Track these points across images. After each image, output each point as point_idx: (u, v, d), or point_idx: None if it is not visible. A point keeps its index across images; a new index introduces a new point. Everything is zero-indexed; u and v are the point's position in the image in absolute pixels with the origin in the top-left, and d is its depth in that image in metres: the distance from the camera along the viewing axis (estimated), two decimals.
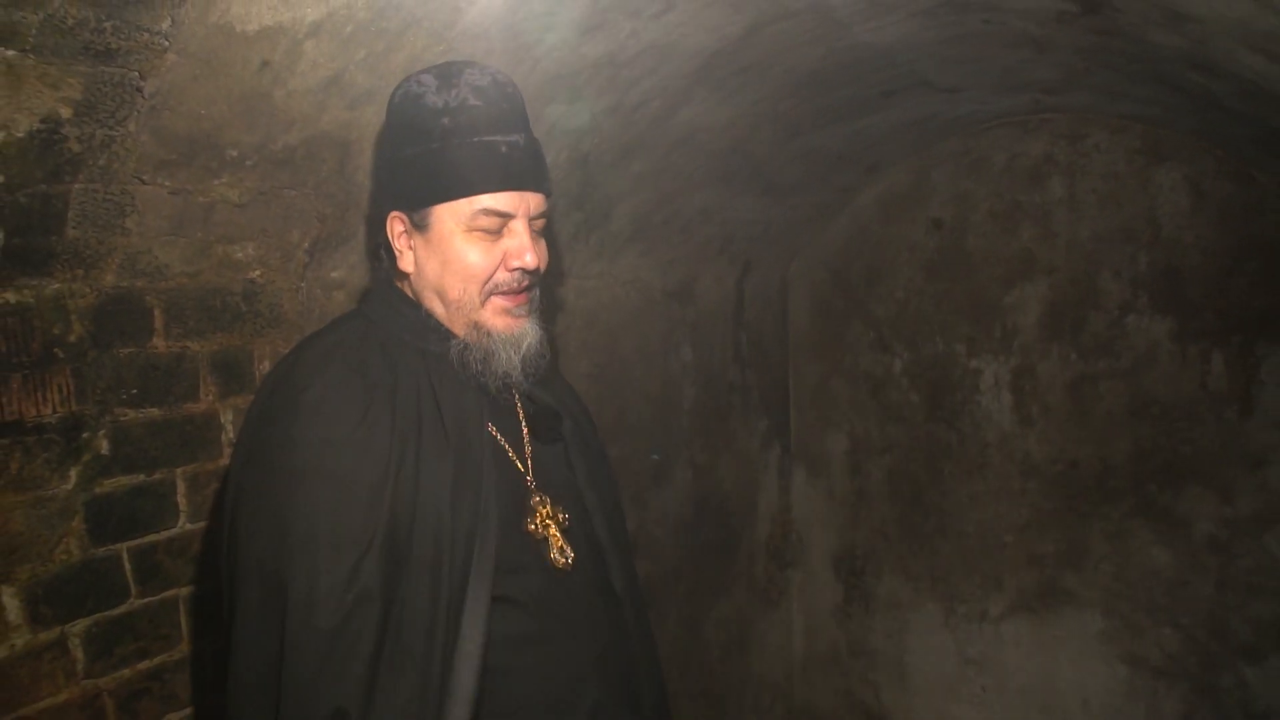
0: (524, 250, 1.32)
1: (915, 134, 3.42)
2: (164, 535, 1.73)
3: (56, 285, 1.53)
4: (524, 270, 1.33)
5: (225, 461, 1.82)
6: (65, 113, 1.36)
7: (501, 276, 1.33)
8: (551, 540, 1.36)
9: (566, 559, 1.36)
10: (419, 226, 1.33)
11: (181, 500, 1.76)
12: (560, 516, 1.39)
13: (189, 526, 1.77)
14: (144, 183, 1.54)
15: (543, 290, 1.44)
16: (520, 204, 1.32)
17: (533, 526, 1.36)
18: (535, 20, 1.77)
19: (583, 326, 2.84)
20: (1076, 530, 3.51)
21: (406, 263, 1.37)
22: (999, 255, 3.56)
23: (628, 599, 1.50)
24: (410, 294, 1.40)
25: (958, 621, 3.79)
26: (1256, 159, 2.91)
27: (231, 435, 1.83)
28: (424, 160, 1.30)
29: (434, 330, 1.36)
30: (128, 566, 1.67)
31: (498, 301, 1.34)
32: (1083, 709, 3.55)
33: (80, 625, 1.60)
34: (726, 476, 3.64)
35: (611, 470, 1.65)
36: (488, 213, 1.30)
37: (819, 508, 4.07)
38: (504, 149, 1.30)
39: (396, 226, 1.36)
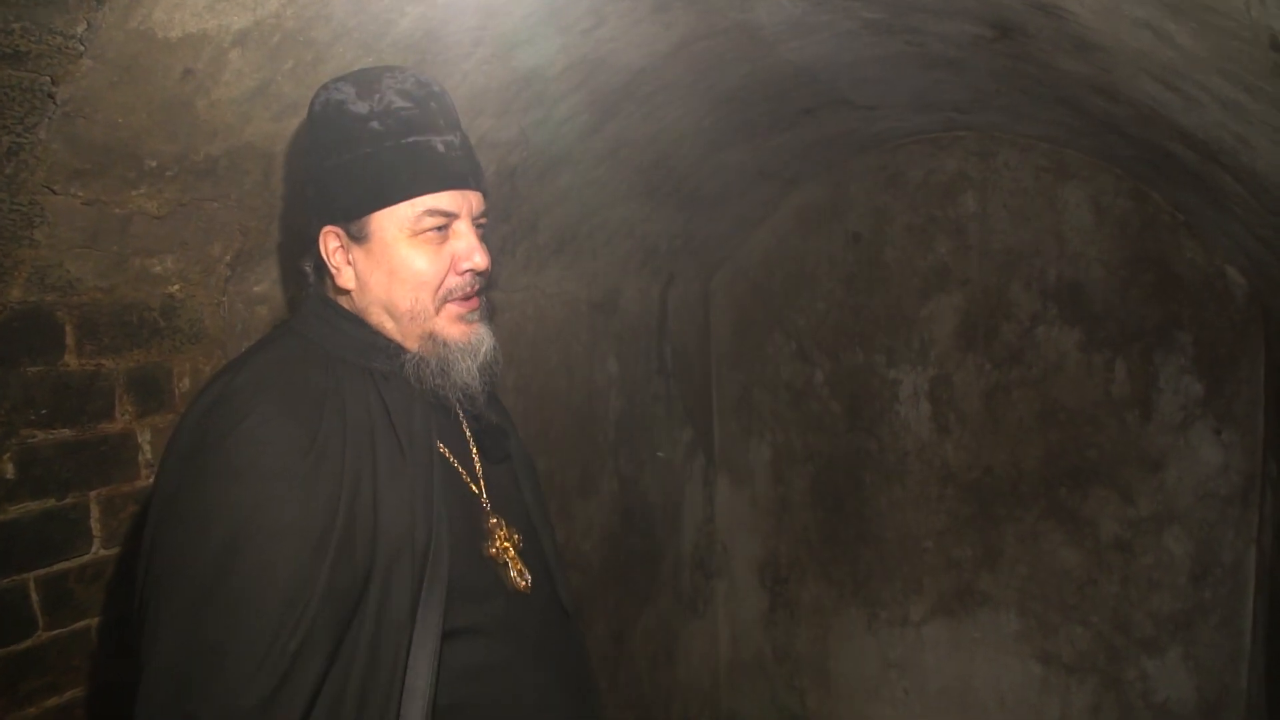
0: (473, 250, 1.27)
1: (834, 149, 3.51)
2: (75, 562, 1.65)
3: None
4: (475, 272, 1.28)
5: (143, 483, 1.74)
6: None
7: (453, 281, 1.27)
8: (510, 563, 1.32)
9: (525, 581, 1.32)
10: (357, 238, 1.26)
11: (95, 525, 1.68)
12: (515, 538, 1.35)
13: (103, 552, 1.69)
14: (55, 193, 1.47)
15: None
16: (463, 203, 1.27)
17: (493, 550, 1.31)
18: (466, 34, 1.75)
19: (508, 339, 2.82)
20: (992, 534, 3.63)
21: (346, 279, 1.28)
22: (915, 268, 3.68)
23: (575, 615, 1.48)
24: (351, 310, 1.31)
25: (880, 626, 3.88)
26: (1150, 179, 3.07)
27: (150, 456, 1.76)
28: (355, 167, 1.23)
29: (382, 349, 1.29)
30: (35, 597, 1.58)
31: (452, 309, 1.28)
32: (999, 706, 3.68)
33: None
34: (652, 487, 3.66)
35: (541, 485, 1.64)
36: (432, 214, 1.24)
37: (743, 517, 4.12)
38: (440, 147, 1.25)
39: (331, 241, 1.28)
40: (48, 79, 1.33)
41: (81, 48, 1.32)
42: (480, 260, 1.28)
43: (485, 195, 1.33)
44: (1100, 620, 3.47)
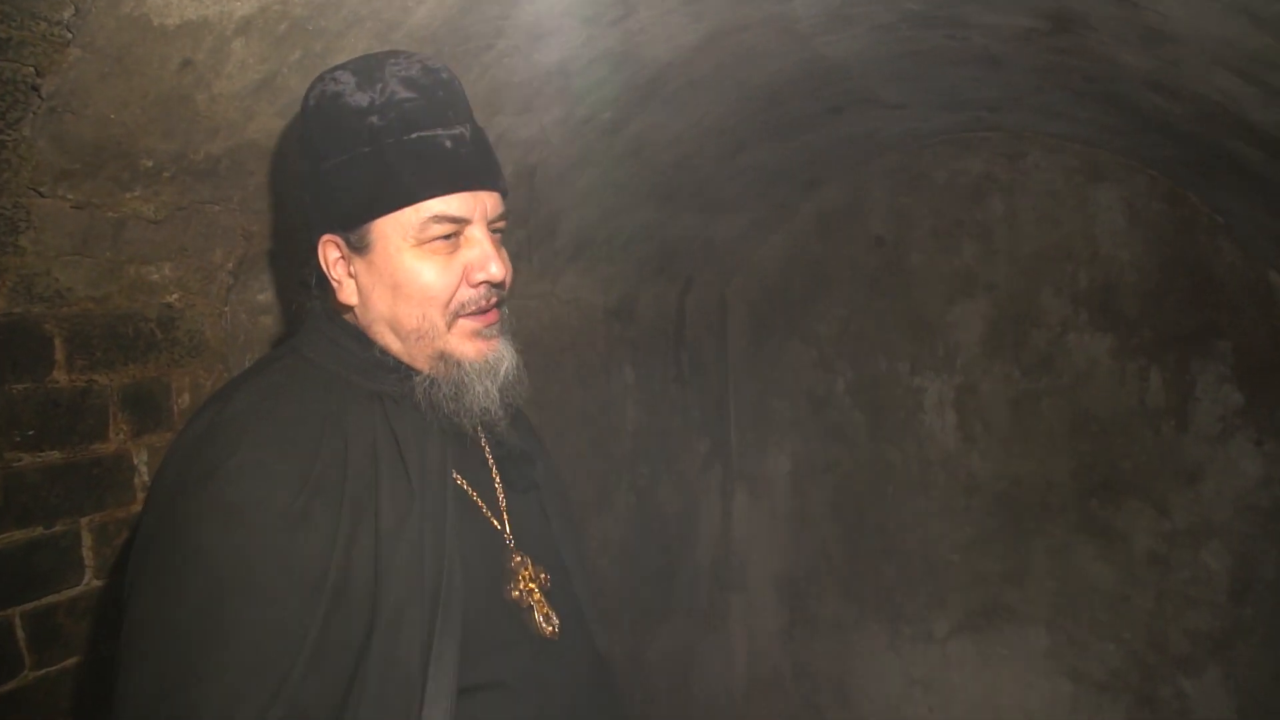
0: (487, 260, 1.12)
1: (856, 150, 3.39)
2: (66, 595, 1.52)
3: None
4: (490, 284, 1.14)
5: (139, 507, 1.62)
6: None
7: (465, 294, 1.13)
8: (536, 607, 1.18)
9: (553, 626, 1.18)
10: (358, 248, 1.12)
11: (87, 554, 1.55)
12: (542, 577, 1.21)
13: (96, 583, 1.57)
14: (42, 195, 1.35)
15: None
16: (475, 206, 1.12)
17: (516, 593, 1.17)
18: (487, 24, 1.63)
19: (523, 349, 2.69)
20: (1020, 547, 3.50)
21: (348, 293, 1.15)
22: (940, 272, 3.55)
23: (610, 661, 1.35)
24: (354, 326, 1.19)
25: (902, 642, 3.75)
26: (1189, 180, 2.95)
27: (146, 478, 1.63)
28: (353, 169, 1.09)
29: (391, 370, 1.16)
30: (21, 634, 1.46)
31: (465, 324, 1.14)
32: None
33: None
34: (669, 500, 3.53)
35: (574, 514, 1.50)
36: (439, 220, 1.10)
37: (761, 529, 3.99)
38: (448, 143, 1.10)
39: (330, 252, 1.15)
40: (31, 70, 1.21)
41: (69, 35, 1.20)
42: (496, 270, 1.13)
43: (504, 195, 1.18)
44: (1134, 637, 3.34)
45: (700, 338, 3.75)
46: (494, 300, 1.17)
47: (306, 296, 1.25)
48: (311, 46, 1.45)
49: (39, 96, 1.24)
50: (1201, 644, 3.23)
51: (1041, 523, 3.46)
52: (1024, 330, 3.43)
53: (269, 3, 1.34)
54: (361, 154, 1.09)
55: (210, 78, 1.38)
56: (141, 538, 1.05)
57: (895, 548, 3.72)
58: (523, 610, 1.18)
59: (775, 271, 3.86)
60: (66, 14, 1.18)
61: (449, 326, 1.14)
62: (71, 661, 1.54)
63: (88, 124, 1.31)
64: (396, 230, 1.11)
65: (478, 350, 1.15)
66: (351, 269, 1.15)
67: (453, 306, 1.13)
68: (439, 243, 1.11)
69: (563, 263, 2.73)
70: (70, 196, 1.38)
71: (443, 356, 1.14)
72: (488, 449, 1.28)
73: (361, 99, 1.10)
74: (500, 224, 1.18)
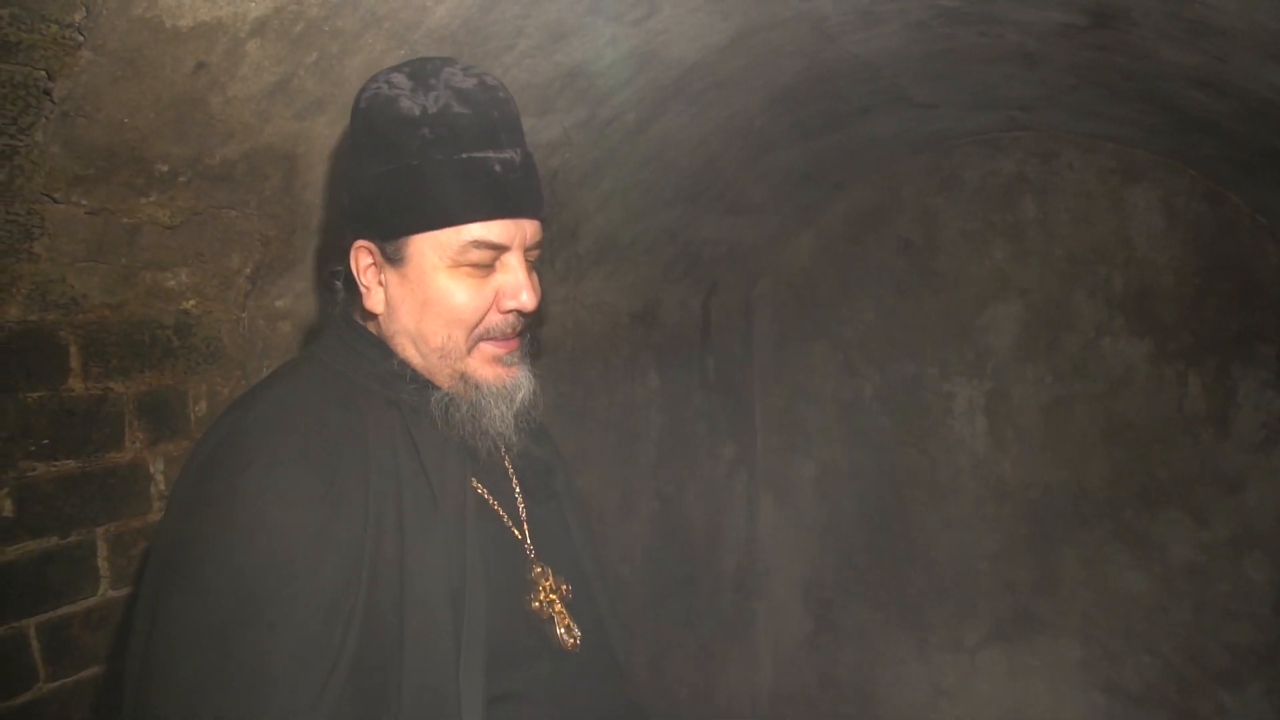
0: (520, 289, 1.11)
1: (884, 151, 3.32)
2: (81, 606, 1.50)
3: None
4: (519, 312, 1.13)
5: (155, 517, 1.60)
6: None
7: (493, 320, 1.12)
8: (557, 618, 1.16)
9: (574, 637, 1.16)
10: (392, 259, 1.11)
11: (103, 564, 1.53)
12: (563, 588, 1.19)
13: (112, 593, 1.55)
14: (55, 201, 1.33)
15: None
16: (516, 234, 1.10)
17: (536, 604, 1.15)
18: (508, 24, 1.59)
19: (546, 354, 2.66)
20: (1051, 556, 3.42)
21: (375, 301, 1.14)
22: (971, 275, 3.48)
23: (630, 672, 1.32)
24: (376, 334, 1.17)
25: (930, 651, 3.67)
26: (1232, 180, 2.86)
27: (163, 487, 1.61)
28: (399, 180, 1.08)
29: (409, 381, 1.14)
30: (35, 645, 1.44)
31: (486, 348, 1.13)
32: None
33: None
34: (693, 506, 3.48)
35: (593, 523, 1.48)
36: (478, 245, 1.08)
37: (786, 536, 3.93)
38: (498, 168, 1.08)
39: (363, 258, 1.13)
40: (43, 73, 1.19)
41: (80, 38, 1.17)
42: (528, 300, 1.12)
43: (544, 223, 1.17)
44: (1171, 650, 3.25)
45: (726, 342, 3.70)
46: (519, 328, 1.16)
47: (329, 298, 1.24)
48: (328, 48, 1.41)
49: (51, 100, 1.22)
50: (1243, 658, 3.14)
51: (1074, 531, 3.37)
52: (1057, 334, 3.35)
53: (284, 3, 1.31)
54: (409, 166, 1.07)
55: (225, 80, 1.35)
56: (157, 553, 1.03)
57: (923, 555, 3.65)
58: (544, 621, 1.16)
59: (802, 274, 3.80)
60: (77, 16, 1.15)
61: (470, 349, 1.13)
62: (87, 673, 1.52)
63: (100, 128, 1.29)
64: (434, 248, 1.09)
65: (497, 375, 1.14)
66: (382, 277, 1.13)
67: (478, 330, 1.12)
68: (474, 267, 1.10)
69: (586, 266, 2.69)
70: (84, 202, 1.36)
71: (463, 377, 1.14)
72: (507, 458, 1.26)
73: (414, 107, 1.08)
74: (535, 252, 1.17)
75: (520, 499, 1.24)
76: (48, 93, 1.21)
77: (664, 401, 3.28)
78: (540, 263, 2.41)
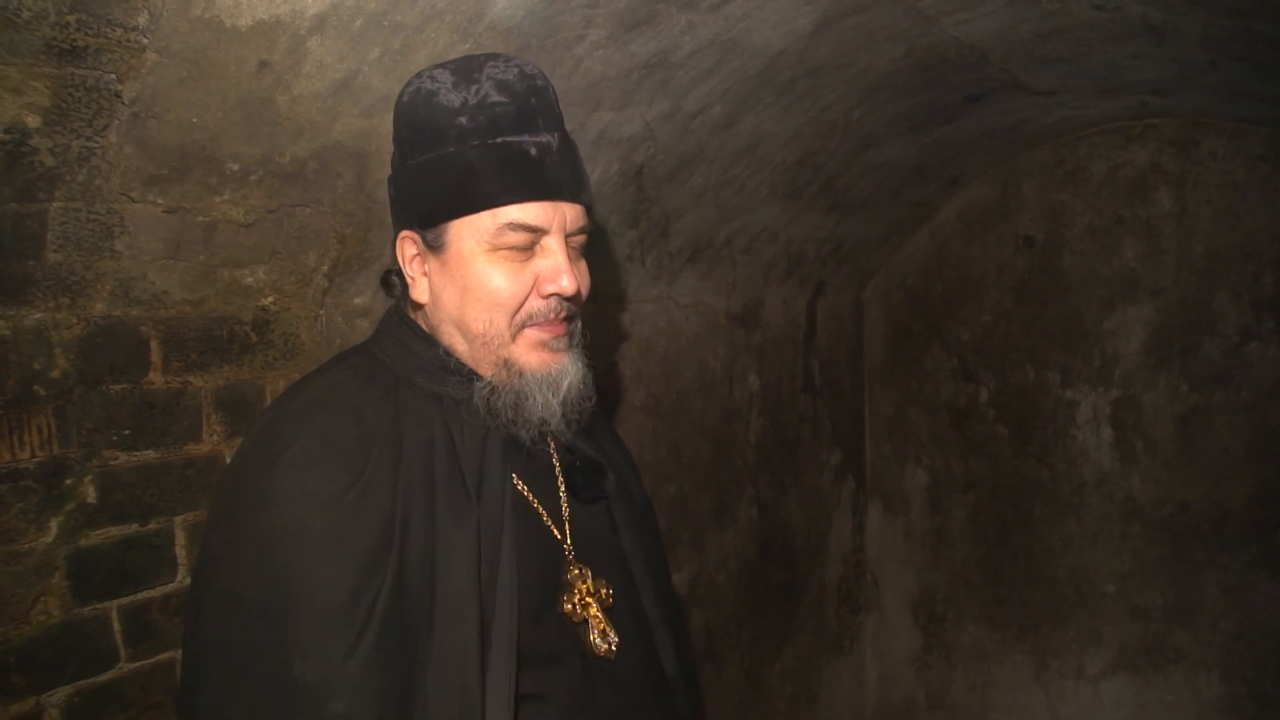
0: (559, 272, 1.10)
1: (1002, 143, 3.13)
2: (159, 591, 1.55)
3: (38, 315, 1.36)
4: (561, 297, 1.11)
5: None
6: (32, 121, 1.20)
7: (535, 305, 1.11)
8: (592, 622, 1.13)
9: (610, 644, 1.13)
10: (434, 247, 1.12)
11: (180, 552, 1.58)
12: (603, 592, 1.16)
13: (188, 581, 1.59)
14: (133, 200, 1.37)
15: (593, 318, 1.21)
16: (554, 216, 1.10)
17: (570, 606, 1.13)
18: (575, 13, 1.56)
19: (638, 355, 2.62)
20: (1188, 581, 3.14)
21: (420, 291, 1.15)
22: (1098, 275, 3.24)
23: (681, 686, 1.26)
24: (425, 327, 1.18)
25: (1050, 677, 3.44)
26: None
27: None
28: (437, 168, 1.09)
29: (454, 372, 1.14)
30: (117, 627, 1.49)
31: (531, 334, 1.12)
32: None
33: (59, 694, 1.42)
34: (794, 514, 3.37)
35: (658, 528, 1.42)
36: (515, 227, 1.08)
37: (896, 548, 3.76)
38: (533, 151, 1.08)
39: (408, 249, 1.15)
40: (112, 76, 1.22)
41: (144, 40, 1.20)
42: (568, 284, 1.10)
43: (587, 209, 1.15)
44: None
45: (833, 344, 3.57)
46: (564, 314, 1.14)
47: (389, 291, 1.26)
48: (390, 43, 1.41)
49: (122, 102, 1.26)
50: None
51: (1214, 554, 3.09)
52: (1194, 339, 3.08)
53: None
54: (446, 154, 1.09)
55: (289, 78, 1.37)
56: (209, 516, 1.10)
57: (1042, 573, 3.42)
58: (576, 624, 1.13)
59: (915, 274, 3.63)
60: (141, 19, 1.18)
61: (514, 335, 1.12)
62: (165, 656, 1.57)
63: (170, 129, 1.32)
64: (471, 233, 1.10)
65: (541, 361, 1.13)
66: (426, 267, 1.15)
67: (520, 316, 1.12)
68: (513, 250, 1.10)
69: (679, 265, 2.63)
70: (160, 201, 1.40)
71: (506, 364, 1.13)
72: (555, 456, 1.23)
73: (454, 99, 1.09)
74: (580, 237, 1.15)
75: (564, 498, 1.21)
76: (118, 95, 1.25)
77: (764, 405, 3.19)
78: (629, 261, 2.38)
